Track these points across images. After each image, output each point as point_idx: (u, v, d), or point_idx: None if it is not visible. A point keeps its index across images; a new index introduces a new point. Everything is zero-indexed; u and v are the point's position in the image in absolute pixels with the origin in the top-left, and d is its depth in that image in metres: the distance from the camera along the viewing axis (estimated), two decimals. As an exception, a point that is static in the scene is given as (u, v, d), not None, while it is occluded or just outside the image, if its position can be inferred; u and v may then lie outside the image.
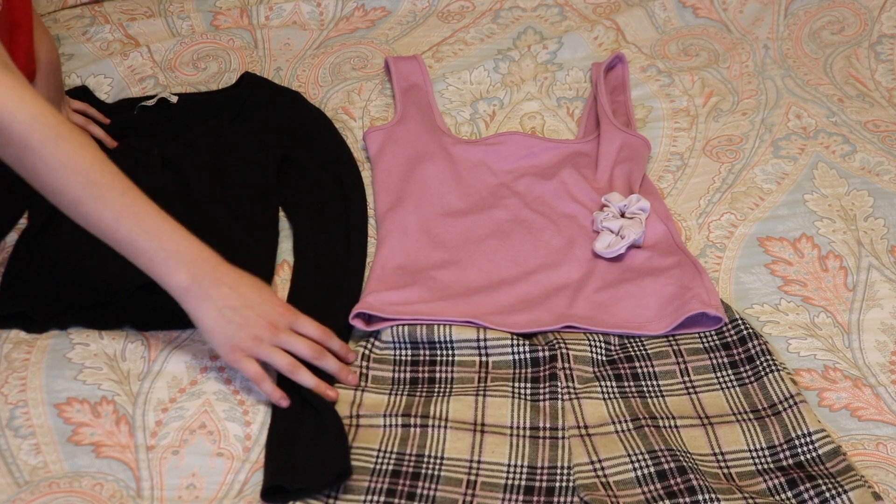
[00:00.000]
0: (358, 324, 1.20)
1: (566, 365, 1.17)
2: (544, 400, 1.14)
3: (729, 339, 1.22)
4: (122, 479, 1.07)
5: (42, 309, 1.21)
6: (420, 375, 1.17)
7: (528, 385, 1.15)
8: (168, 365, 1.18)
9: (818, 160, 1.49)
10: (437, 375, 1.17)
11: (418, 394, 1.16)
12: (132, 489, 1.06)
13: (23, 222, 1.33)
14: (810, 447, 1.10)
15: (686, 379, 1.19)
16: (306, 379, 1.11)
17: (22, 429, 1.10)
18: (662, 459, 1.08)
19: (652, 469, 1.07)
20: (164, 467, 1.08)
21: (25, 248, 1.28)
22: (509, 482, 1.07)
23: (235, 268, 1.13)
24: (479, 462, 1.09)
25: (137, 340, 1.21)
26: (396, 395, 1.15)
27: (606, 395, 1.16)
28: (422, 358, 1.19)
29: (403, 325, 1.20)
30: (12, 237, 1.31)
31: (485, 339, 1.19)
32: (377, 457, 1.08)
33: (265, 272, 1.29)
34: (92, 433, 1.11)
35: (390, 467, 1.07)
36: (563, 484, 1.07)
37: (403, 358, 1.19)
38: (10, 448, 1.09)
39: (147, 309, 1.23)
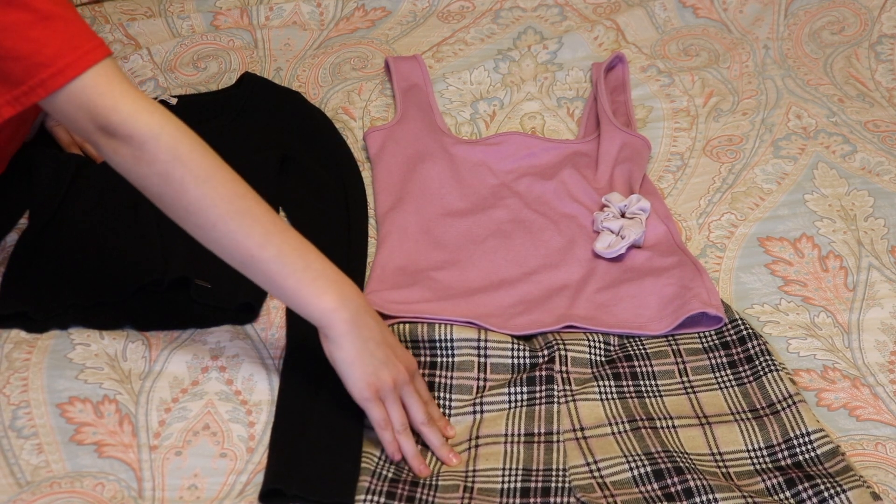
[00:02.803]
0: (361, 323, 1.20)
1: (563, 368, 1.17)
2: (540, 404, 1.14)
3: (728, 339, 1.22)
4: (124, 480, 1.07)
5: (42, 309, 1.21)
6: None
7: (525, 388, 1.15)
8: (169, 365, 1.18)
9: (818, 160, 1.49)
10: (437, 381, 1.16)
11: None
12: (133, 489, 1.06)
13: (23, 222, 1.33)
14: (809, 447, 1.10)
15: (685, 379, 1.19)
16: (408, 445, 1.07)
17: (25, 429, 1.10)
18: (659, 460, 1.08)
19: (649, 469, 1.07)
20: (167, 468, 1.08)
21: (25, 248, 1.28)
22: (505, 486, 1.07)
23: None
24: (474, 471, 1.09)
25: (138, 340, 1.21)
26: None
27: (603, 396, 1.16)
28: (422, 359, 1.19)
29: (404, 322, 1.20)
30: (12, 237, 1.31)
31: (485, 340, 1.19)
32: (378, 461, 1.09)
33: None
34: (94, 432, 1.11)
35: (389, 474, 1.07)
36: (559, 485, 1.07)
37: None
38: (13, 448, 1.09)
39: (147, 309, 1.23)
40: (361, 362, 1.05)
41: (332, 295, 1.04)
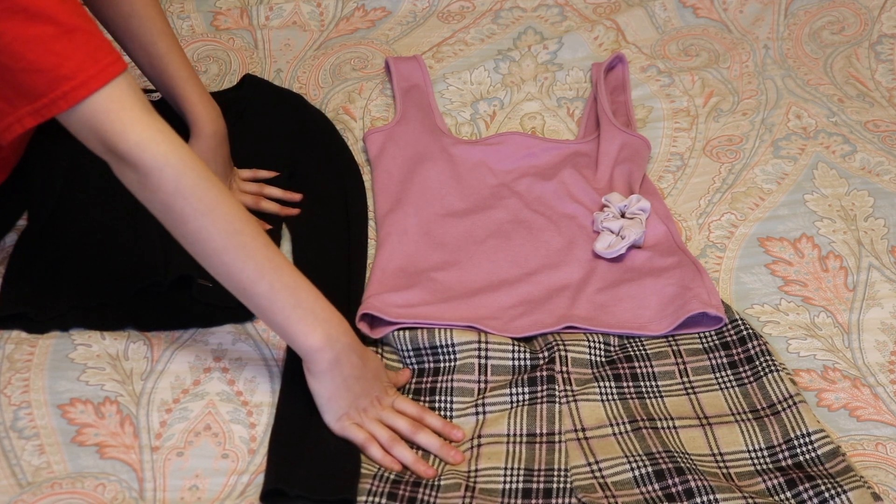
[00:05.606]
0: (363, 328, 1.20)
1: (564, 368, 1.17)
2: (541, 403, 1.14)
3: (729, 340, 1.22)
4: (125, 480, 1.07)
5: (43, 310, 1.20)
6: (424, 387, 1.17)
7: (526, 388, 1.15)
8: (171, 365, 1.18)
9: (818, 160, 1.49)
10: (439, 386, 1.17)
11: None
12: (134, 490, 1.06)
13: (22, 222, 1.33)
14: (809, 447, 1.10)
15: (685, 380, 1.19)
16: (404, 453, 1.09)
17: (26, 430, 1.10)
18: (660, 460, 1.08)
19: (650, 469, 1.08)
20: (168, 469, 1.08)
21: (25, 248, 1.28)
22: (507, 486, 1.07)
23: (356, 336, 1.12)
24: (476, 471, 1.09)
25: (140, 340, 1.21)
26: None
27: (604, 397, 1.16)
28: (426, 366, 1.19)
29: (404, 329, 1.20)
30: (12, 237, 1.31)
31: (486, 343, 1.19)
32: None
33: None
34: (96, 434, 1.11)
35: (391, 476, 1.07)
36: (561, 485, 1.07)
37: (409, 367, 1.19)
38: (15, 449, 1.09)
39: (149, 309, 1.23)
40: (338, 397, 1.09)
41: (318, 334, 1.07)
